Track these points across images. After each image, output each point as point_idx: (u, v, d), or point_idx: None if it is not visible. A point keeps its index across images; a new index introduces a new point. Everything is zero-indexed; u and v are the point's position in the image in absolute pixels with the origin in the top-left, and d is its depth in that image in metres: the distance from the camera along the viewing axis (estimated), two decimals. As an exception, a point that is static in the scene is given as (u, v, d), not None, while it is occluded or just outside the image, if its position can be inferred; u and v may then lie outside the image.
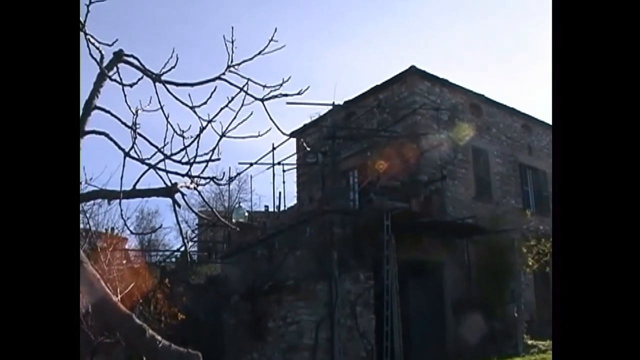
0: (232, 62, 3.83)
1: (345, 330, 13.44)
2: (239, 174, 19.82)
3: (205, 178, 3.92)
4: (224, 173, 4.20)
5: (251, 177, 26.28)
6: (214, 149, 3.82)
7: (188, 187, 3.86)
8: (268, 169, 17.94)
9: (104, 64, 3.79)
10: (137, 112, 3.86)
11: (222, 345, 15.16)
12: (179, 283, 15.69)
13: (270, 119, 3.92)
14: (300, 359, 13.19)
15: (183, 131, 3.83)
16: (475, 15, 46.98)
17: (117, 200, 3.90)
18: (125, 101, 3.86)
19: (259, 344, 14.33)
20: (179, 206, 3.85)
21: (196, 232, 28.12)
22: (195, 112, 3.81)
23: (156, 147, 3.80)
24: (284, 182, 19.38)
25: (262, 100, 3.87)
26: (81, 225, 11.49)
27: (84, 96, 3.67)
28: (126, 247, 18.02)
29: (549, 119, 19.05)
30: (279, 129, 3.96)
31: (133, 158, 3.78)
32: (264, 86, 3.87)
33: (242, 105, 3.78)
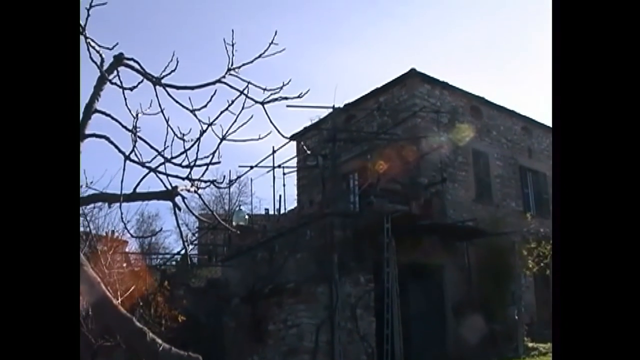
0: (232, 65, 3.84)
1: (346, 333, 13.41)
2: (239, 177, 19.92)
3: (205, 181, 3.93)
4: (224, 176, 4.21)
5: (251, 180, 26.53)
6: (214, 152, 3.83)
7: (188, 190, 3.86)
8: (268, 172, 17.94)
9: (105, 68, 3.81)
10: (137, 115, 3.87)
11: (222, 348, 15.13)
12: (179, 286, 15.66)
13: (271, 122, 3.93)
14: (300, 361, 13.18)
15: (183, 134, 3.84)
16: (475, 18, 47.07)
17: (118, 204, 3.91)
18: (126, 104, 3.87)
19: (260, 347, 14.30)
20: (179, 209, 3.86)
21: (196, 235, 28.18)
22: (195, 115, 3.82)
23: (156, 150, 3.81)
24: (284, 185, 19.66)
25: (262, 103, 3.88)
26: (81, 229, 11.48)
27: (84, 99, 3.68)
28: (126, 250, 17.99)
29: (549, 122, 19.08)
30: (279, 131, 3.97)
31: (133, 161, 3.78)
32: (264, 89, 3.88)
33: (243, 108, 3.79)
